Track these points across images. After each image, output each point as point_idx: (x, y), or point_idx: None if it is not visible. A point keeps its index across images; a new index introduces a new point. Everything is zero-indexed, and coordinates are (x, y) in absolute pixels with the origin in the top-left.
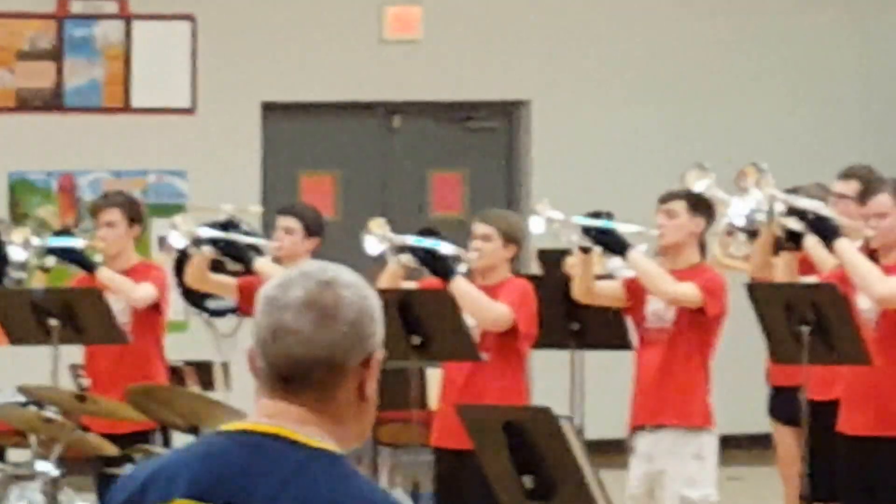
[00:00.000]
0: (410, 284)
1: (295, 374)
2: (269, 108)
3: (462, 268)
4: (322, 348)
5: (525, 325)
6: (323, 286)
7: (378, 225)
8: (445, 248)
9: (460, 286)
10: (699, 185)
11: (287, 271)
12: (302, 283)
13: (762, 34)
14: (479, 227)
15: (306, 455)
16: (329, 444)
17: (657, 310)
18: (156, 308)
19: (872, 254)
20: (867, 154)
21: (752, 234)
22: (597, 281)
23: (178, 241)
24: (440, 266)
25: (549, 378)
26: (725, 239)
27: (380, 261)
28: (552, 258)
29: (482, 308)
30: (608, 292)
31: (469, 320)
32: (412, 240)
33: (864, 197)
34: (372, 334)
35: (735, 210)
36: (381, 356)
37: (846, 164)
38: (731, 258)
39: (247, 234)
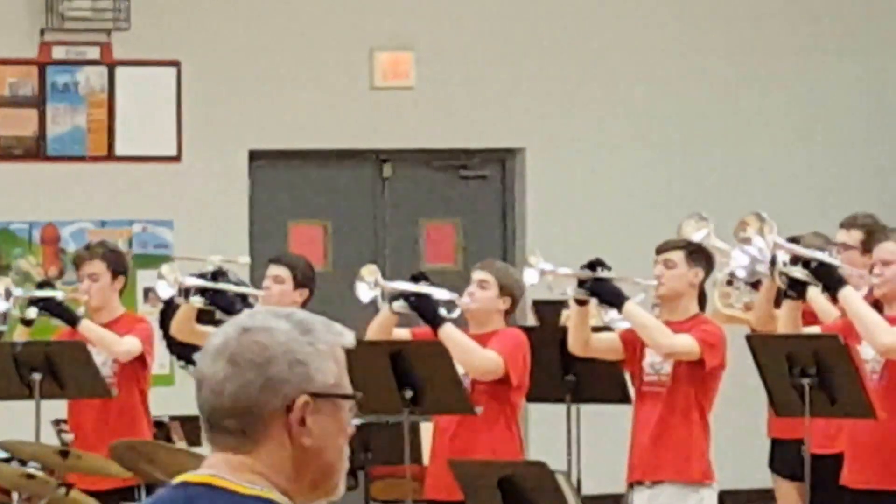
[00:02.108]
0: (403, 332)
1: (211, 423)
2: (257, 156)
3: (454, 314)
4: (230, 397)
5: (517, 375)
6: (239, 333)
7: (370, 272)
8: (438, 293)
9: (450, 333)
10: (697, 235)
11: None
12: (225, 330)
13: (764, 78)
14: (478, 274)
15: (233, 502)
16: (269, 493)
17: (654, 362)
18: (141, 361)
19: (877, 304)
20: (873, 200)
21: (754, 284)
22: (593, 333)
23: (166, 290)
24: (432, 312)
25: (544, 431)
26: (725, 289)
27: (371, 308)
28: (548, 309)
29: (471, 356)
30: (605, 345)
31: (459, 369)
32: (404, 285)
33: (867, 245)
34: (288, 379)
35: (736, 261)
36: (306, 400)
37: (851, 211)
38: (732, 308)
39: (235, 284)
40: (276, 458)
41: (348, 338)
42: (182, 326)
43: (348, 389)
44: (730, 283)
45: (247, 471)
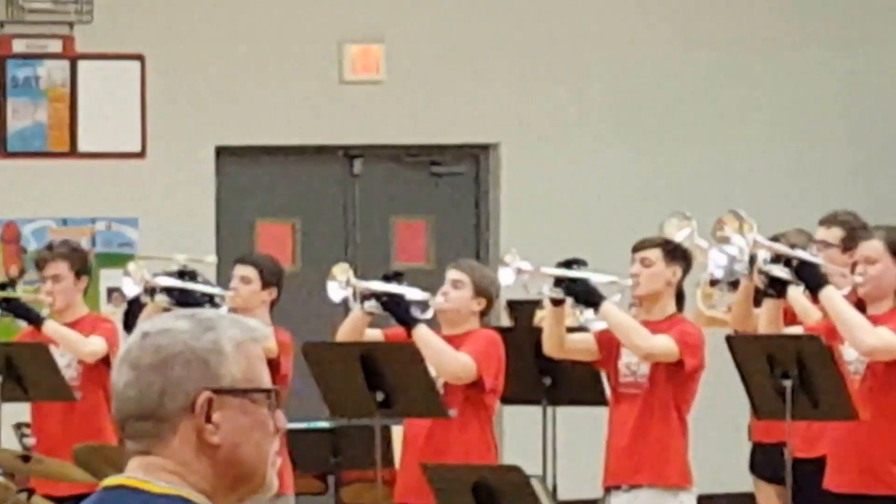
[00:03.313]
0: (375, 332)
1: (124, 429)
2: (224, 153)
3: (427, 314)
4: (132, 402)
5: (490, 378)
6: (141, 338)
7: (341, 270)
8: (411, 293)
9: (423, 335)
10: (680, 235)
11: None
12: (130, 338)
13: (744, 73)
14: (452, 273)
15: (143, 500)
16: (182, 491)
17: (630, 363)
18: (105, 362)
19: (859, 303)
20: (852, 197)
21: (734, 284)
22: (569, 334)
23: (132, 288)
24: (405, 313)
25: (519, 435)
26: (708, 290)
27: (343, 308)
28: (523, 309)
29: (444, 359)
30: (581, 346)
31: (431, 371)
32: (377, 285)
33: (848, 243)
34: (188, 378)
35: (714, 261)
36: (206, 398)
37: (831, 209)
38: (714, 310)
39: (202, 283)
40: (187, 457)
41: (261, 332)
42: None
43: (262, 384)
44: (713, 284)
45: (160, 470)
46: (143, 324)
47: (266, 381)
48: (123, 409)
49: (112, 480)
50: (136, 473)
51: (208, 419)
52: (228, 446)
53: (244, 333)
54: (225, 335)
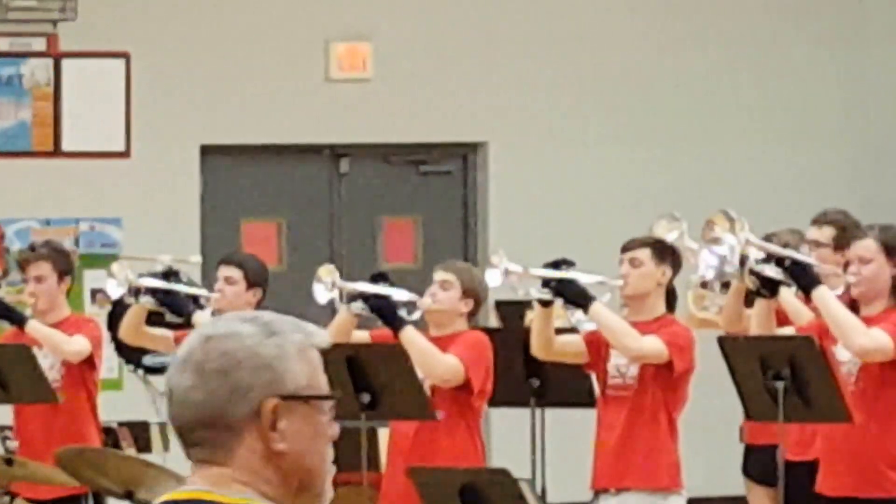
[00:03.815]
0: (362, 334)
1: (183, 436)
2: (209, 152)
3: (414, 315)
4: (198, 407)
5: (478, 380)
6: (203, 341)
7: (327, 272)
8: (398, 294)
9: (411, 336)
10: (669, 236)
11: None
12: (189, 340)
13: (736, 71)
14: (440, 274)
15: None
16: (256, 502)
17: (619, 365)
18: (89, 364)
19: (852, 304)
20: (846, 196)
21: (726, 285)
22: (557, 336)
23: (115, 290)
24: (392, 314)
25: (507, 437)
26: (700, 292)
27: (329, 310)
28: (511, 310)
29: (431, 361)
30: (570, 348)
31: (418, 373)
32: (363, 286)
33: (840, 242)
34: (255, 384)
35: (704, 262)
36: (273, 404)
37: (825, 208)
38: (706, 312)
39: (187, 284)
40: (255, 466)
41: (321, 337)
42: (131, 329)
43: (323, 390)
44: (704, 285)
45: (229, 481)
46: (204, 326)
47: (326, 387)
48: (186, 414)
49: (180, 494)
50: (205, 485)
51: (273, 426)
52: (294, 454)
53: (307, 338)
54: (289, 340)
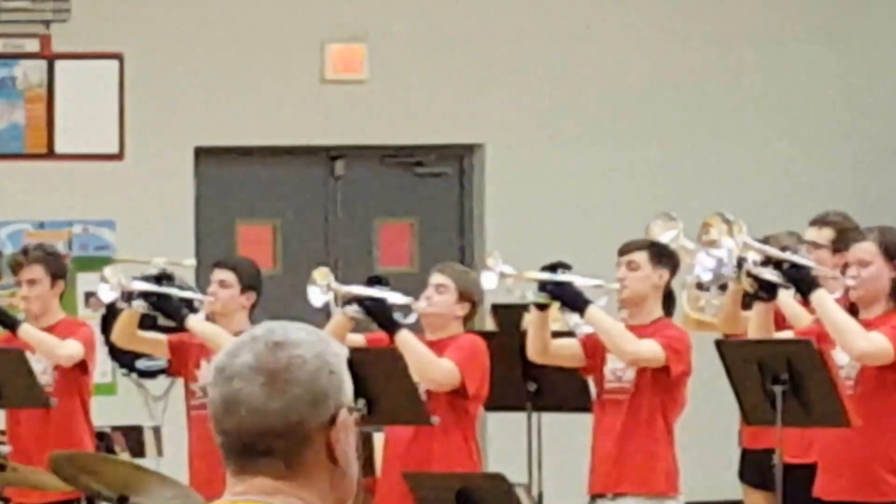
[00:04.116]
0: (357, 338)
1: (252, 445)
2: (203, 154)
3: (409, 319)
4: (276, 416)
5: (473, 385)
6: (272, 348)
7: (322, 275)
8: (394, 297)
9: (406, 340)
10: (666, 236)
11: (237, 338)
12: (250, 347)
13: (734, 69)
14: (436, 277)
15: None
16: None
17: (616, 369)
18: (82, 368)
19: (851, 307)
20: (845, 197)
21: (723, 287)
22: (554, 339)
23: (108, 294)
24: (387, 318)
25: (503, 442)
26: (694, 293)
27: (324, 313)
28: (508, 314)
29: (426, 365)
30: (566, 352)
31: (413, 377)
32: (358, 289)
33: (839, 245)
34: (332, 393)
35: (701, 265)
36: (349, 413)
37: (823, 208)
38: (702, 313)
39: (181, 287)
40: (315, 476)
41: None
42: (125, 333)
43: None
44: (699, 286)
45: (281, 493)
46: (261, 333)
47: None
48: (263, 423)
49: (229, 503)
50: (256, 496)
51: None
52: (343, 465)
53: (341, 347)
54: (337, 347)
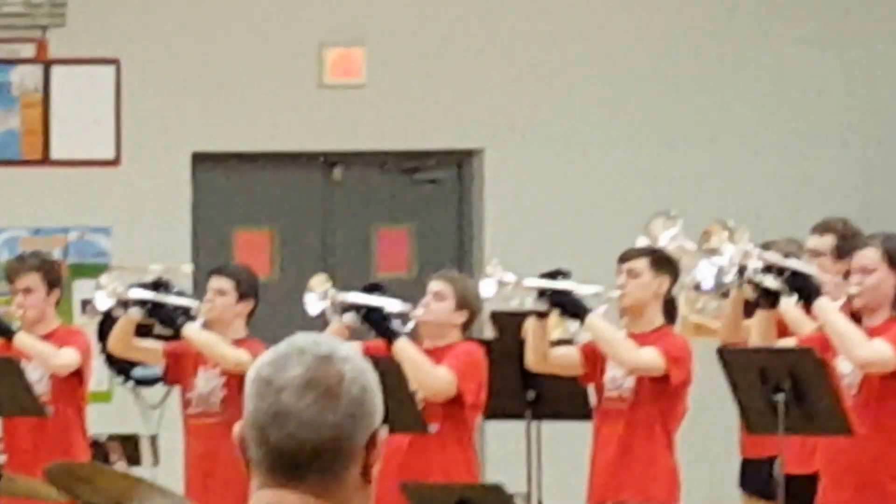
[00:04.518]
0: (355, 345)
1: (300, 460)
2: (200, 159)
3: (408, 326)
4: (328, 431)
5: (471, 394)
6: (322, 362)
7: (319, 282)
8: (392, 305)
9: (404, 348)
10: (665, 236)
11: (277, 347)
12: (298, 359)
13: (737, 72)
14: (434, 285)
15: None
16: None
17: (615, 377)
18: (77, 376)
19: (854, 314)
20: (853, 202)
21: (724, 294)
22: (553, 347)
23: (104, 302)
24: (384, 326)
25: (502, 451)
26: (692, 294)
27: (321, 320)
28: (507, 321)
29: (423, 374)
30: (565, 360)
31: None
32: (356, 297)
33: (841, 252)
34: (375, 410)
35: (702, 273)
36: (385, 433)
37: (824, 212)
38: (701, 316)
39: (177, 295)
40: (350, 494)
41: None
42: (121, 341)
43: None
44: (697, 287)
45: None
46: (307, 346)
47: None
48: (313, 436)
49: None
50: None
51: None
52: (372, 491)
53: None
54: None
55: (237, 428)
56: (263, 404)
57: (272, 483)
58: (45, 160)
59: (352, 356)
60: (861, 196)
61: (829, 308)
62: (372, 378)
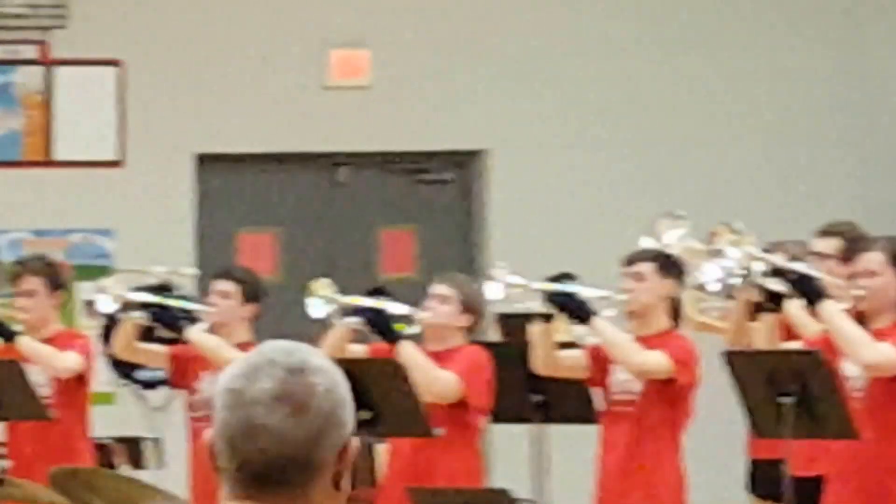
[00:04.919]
0: (359, 349)
1: (271, 473)
2: (204, 161)
3: (412, 329)
4: (297, 445)
5: (476, 398)
6: (293, 374)
7: (322, 286)
8: (395, 308)
9: (407, 352)
10: (671, 236)
11: (248, 357)
12: (269, 372)
13: (738, 73)
14: (438, 287)
15: None
16: None
17: (623, 380)
18: (80, 379)
19: (859, 317)
20: (855, 205)
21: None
22: (559, 350)
23: (107, 305)
24: (388, 329)
25: (508, 455)
26: (695, 293)
27: (325, 324)
28: (513, 324)
29: (427, 377)
30: (571, 363)
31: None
32: (359, 300)
33: (848, 255)
34: (347, 422)
35: (708, 275)
36: (356, 444)
37: (832, 217)
38: (705, 316)
39: (181, 298)
40: None
41: None
42: (124, 344)
43: None
44: (701, 287)
45: None
46: (283, 357)
47: None
48: (285, 452)
49: None
50: None
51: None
52: (343, 497)
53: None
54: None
55: (207, 435)
56: (233, 418)
57: (242, 495)
58: (47, 162)
59: (324, 367)
60: (864, 197)
61: (834, 311)
62: (344, 389)
